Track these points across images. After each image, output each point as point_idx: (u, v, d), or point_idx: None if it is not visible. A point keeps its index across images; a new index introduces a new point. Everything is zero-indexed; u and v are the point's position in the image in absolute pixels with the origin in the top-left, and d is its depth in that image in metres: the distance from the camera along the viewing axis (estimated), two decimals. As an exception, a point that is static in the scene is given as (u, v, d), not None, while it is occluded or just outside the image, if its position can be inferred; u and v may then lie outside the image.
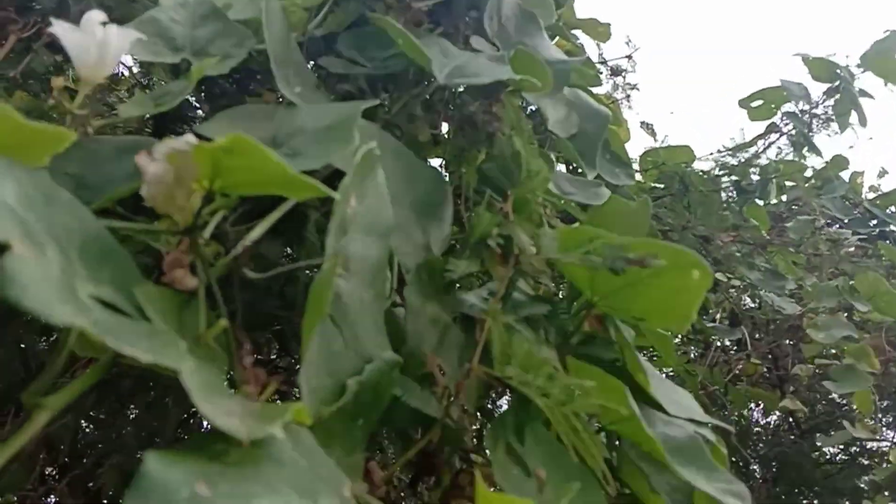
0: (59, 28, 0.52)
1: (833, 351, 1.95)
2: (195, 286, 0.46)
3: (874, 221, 2.35)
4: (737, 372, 2.13)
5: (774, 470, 2.44)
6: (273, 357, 1.26)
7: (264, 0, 0.68)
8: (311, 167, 0.51)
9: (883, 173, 2.56)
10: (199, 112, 1.06)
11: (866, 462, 2.52)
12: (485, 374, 0.57)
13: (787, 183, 2.18)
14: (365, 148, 0.55)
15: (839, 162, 2.23)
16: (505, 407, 0.65)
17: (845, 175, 2.31)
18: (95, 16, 0.54)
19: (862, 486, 2.36)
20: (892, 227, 2.34)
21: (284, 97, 0.69)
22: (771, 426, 2.68)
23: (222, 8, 0.74)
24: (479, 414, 0.63)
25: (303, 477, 0.38)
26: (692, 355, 2.15)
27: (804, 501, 2.42)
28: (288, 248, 0.80)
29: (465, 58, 0.82)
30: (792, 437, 2.43)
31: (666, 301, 0.69)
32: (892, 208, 2.39)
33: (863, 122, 1.83)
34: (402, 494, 0.73)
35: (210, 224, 0.53)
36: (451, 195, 0.75)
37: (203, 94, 1.02)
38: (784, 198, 2.22)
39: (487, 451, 0.56)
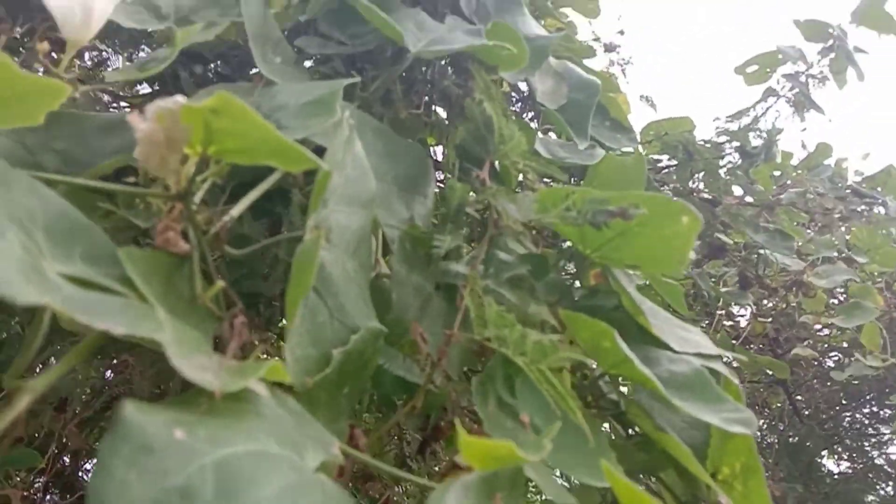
0: None
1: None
2: (188, 250, 0.44)
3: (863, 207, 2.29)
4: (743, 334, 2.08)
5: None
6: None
7: (242, -23, 0.66)
8: (294, 138, 0.49)
9: (866, 156, 2.50)
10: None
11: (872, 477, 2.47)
12: (465, 338, 0.54)
13: (775, 172, 2.14)
14: (341, 117, 0.53)
15: (823, 149, 2.20)
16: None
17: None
18: None
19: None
20: (880, 208, 2.28)
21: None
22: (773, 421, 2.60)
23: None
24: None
25: (287, 431, 0.36)
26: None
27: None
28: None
29: (440, 31, 0.80)
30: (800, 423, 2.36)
31: (658, 248, 0.67)
32: (879, 189, 2.31)
33: (860, 76, 1.77)
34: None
35: (200, 191, 0.51)
36: (433, 170, 0.72)
37: (193, 80, 1.00)
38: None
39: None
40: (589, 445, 0.50)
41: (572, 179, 1.25)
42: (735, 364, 1.78)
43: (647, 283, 0.92)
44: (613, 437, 0.72)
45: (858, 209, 2.10)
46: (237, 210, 0.48)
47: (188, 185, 0.43)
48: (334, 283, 0.49)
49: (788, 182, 2.05)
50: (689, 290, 2.01)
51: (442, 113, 0.97)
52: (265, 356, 0.45)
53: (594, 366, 0.68)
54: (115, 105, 0.86)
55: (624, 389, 0.72)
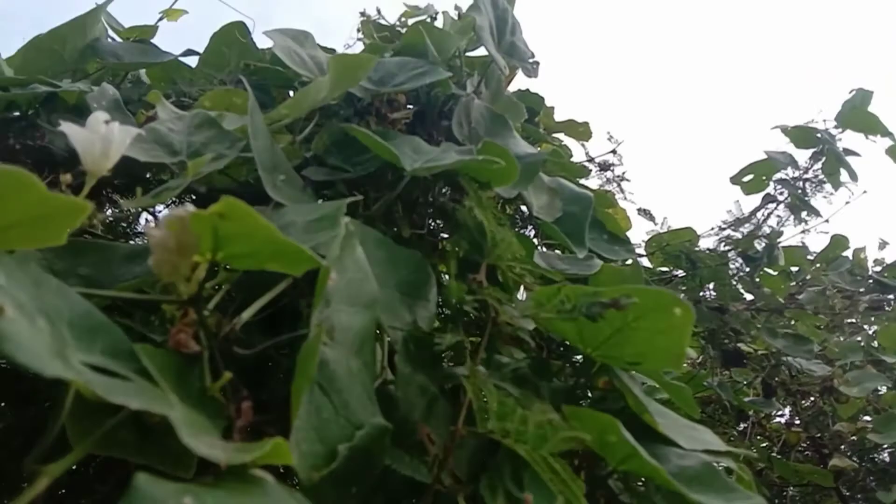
0: (67, 127, 0.58)
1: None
2: (198, 350, 0.48)
3: (891, 296, 2.29)
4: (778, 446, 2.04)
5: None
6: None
7: (249, 114, 0.73)
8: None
9: (883, 245, 2.53)
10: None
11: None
12: (472, 434, 0.56)
13: (792, 268, 2.17)
14: (342, 225, 0.58)
15: (840, 242, 2.23)
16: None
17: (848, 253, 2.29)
18: (100, 115, 0.59)
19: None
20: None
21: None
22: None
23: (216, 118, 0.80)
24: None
25: None
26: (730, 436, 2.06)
27: None
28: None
29: (435, 152, 0.87)
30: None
31: (655, 342, 0.69)
32: None
33: (853, 176, 1.84)
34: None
35: (215, 298, 0.56)
36: (434, 277, 0.77)
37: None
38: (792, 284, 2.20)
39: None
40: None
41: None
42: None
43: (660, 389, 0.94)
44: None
45: (886, 299, 2.10)
46: (247, 314, 0.52)
47: (199, 291, 0.47)
48: (338, 380, 0.52)
49: (808, 278, 2.07)
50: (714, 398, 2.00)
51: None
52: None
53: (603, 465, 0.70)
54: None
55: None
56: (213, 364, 0.47)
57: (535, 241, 1.25)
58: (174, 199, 0.75)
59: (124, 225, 0.73)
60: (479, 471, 0.62)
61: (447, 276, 0.90)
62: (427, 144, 0.91)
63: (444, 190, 0.99)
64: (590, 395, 0.84)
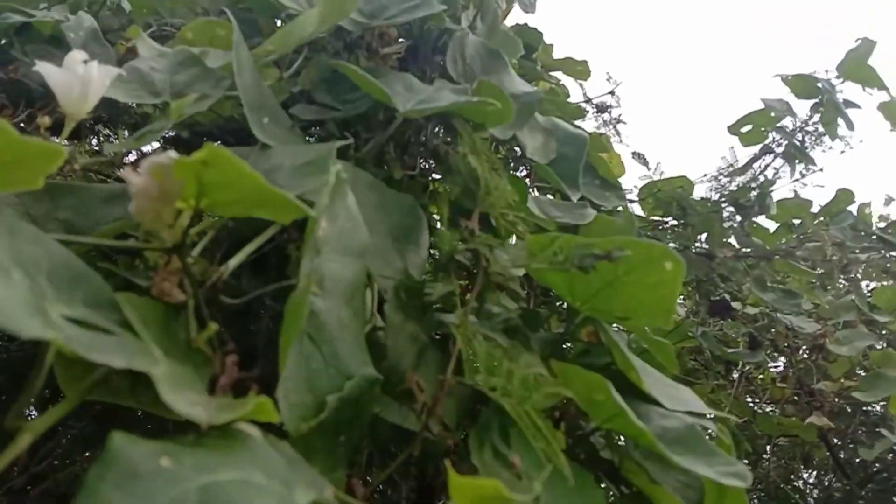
0: (44, 67, 0.56)
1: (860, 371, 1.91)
2: (183, 299, 0.47)
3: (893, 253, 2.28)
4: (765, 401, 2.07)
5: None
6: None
7: (234, 50, 0.71)
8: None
9: (889, 200, 2.51)
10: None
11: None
12: (457, 383, 0.56)
13: (794, 220, 2.16)
14: (333, 171, 0.56)
15: (845, 196, 2.18)
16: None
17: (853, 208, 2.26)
18: (77, 55, 0.57)
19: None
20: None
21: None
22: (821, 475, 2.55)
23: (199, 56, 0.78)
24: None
25: (277, 468, 0.38)
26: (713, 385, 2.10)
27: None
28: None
29: (429, 91, 0.85)
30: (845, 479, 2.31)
31: (645, 296, 0.69)
32: None
33: (850, 126, 1.83)
34: None
35: (199, 244, 0.55)
36: (426, 220, 0.76)
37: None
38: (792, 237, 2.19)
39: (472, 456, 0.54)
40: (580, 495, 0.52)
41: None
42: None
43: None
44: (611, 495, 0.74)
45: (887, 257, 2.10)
46: (233, 262, 0.51)
47: (182, 238, 0.46)
48: (328, 330, 0.52)
49: (809, 231, 2.07)
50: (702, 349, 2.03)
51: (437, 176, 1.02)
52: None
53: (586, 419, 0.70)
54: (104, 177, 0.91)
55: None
56: (199, 313, 0.47)
57: (527, 182, 1.24)
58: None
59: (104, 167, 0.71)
60: (467, 419, 0.62)
61: (438, 219, 0.89)
62: (420, 82, 0.88)
63: (436, 130, 0.97)
64: (573, 346, 0.85)
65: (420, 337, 0.62)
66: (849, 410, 2.03)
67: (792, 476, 2.41)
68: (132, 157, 0.88)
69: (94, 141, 1.00)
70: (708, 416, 0.74)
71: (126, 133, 0.94)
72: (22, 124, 0.87)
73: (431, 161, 0.94)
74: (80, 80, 0.58)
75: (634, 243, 0.64)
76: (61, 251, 0.43)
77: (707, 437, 0.69)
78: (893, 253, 2.06)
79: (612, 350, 0.72)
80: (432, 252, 0.73)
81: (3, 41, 0.87)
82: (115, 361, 0.33)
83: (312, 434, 0.47)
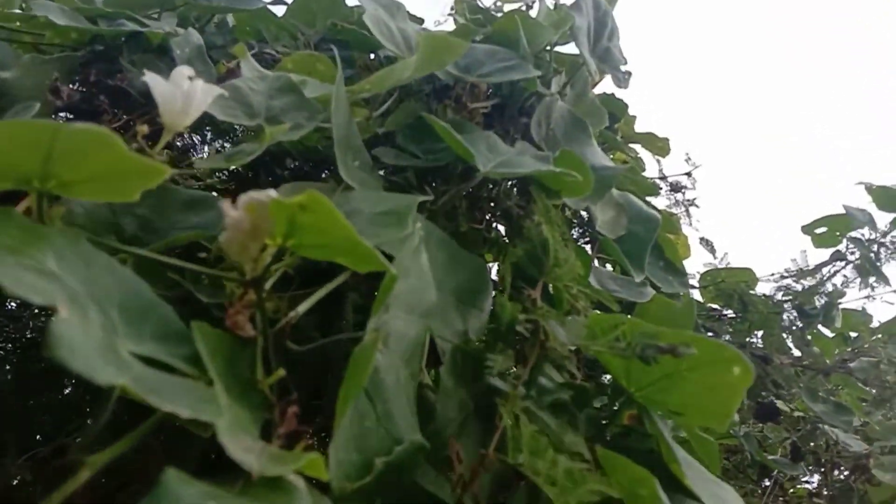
0: (151, 78, 0.58)
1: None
2: (253, 335, 0.48)
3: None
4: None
5: None
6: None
7: (335, 85, 0.73)
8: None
9: None
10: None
11: None
12: (499, 460, 0.55)
13: (851, 334, 2.11)
14: (411, 226, 0.57)
15: None
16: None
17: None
18: (184, 70, 0.60)
19: None
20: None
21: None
22: None
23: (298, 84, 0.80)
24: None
25: None
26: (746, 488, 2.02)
27: None
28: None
29: (511, 154, 0.86)
30: None
31: (704, 396, 0.67)
32: None
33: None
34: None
35: (272, 278, 0.55)
36: (491, 285, 0.76)
37: (269, 178, 1.07)
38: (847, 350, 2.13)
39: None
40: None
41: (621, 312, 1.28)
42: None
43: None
44: None
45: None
46: (303, 307, 0.52)
47: (263, 273, 0.47)
48: (386, 389, 0.52)
49: (865, 346, 2.02)
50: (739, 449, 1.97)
51: (501, 231, 1.03)
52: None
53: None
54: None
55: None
56: (265, 353, 0.47)
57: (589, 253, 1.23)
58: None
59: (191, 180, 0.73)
60: (497, 497, 0.61)
61: (500, 284, 0.89)
62: (503, 143, 0.89)
63: (511, 190, 0.97)
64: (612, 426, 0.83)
65: (468, 404, 0.62)
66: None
67: None
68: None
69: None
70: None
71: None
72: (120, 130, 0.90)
73: (502, 221, 0.94)
74: (184, 94, 0.60)
75: (703, 342, 0.62)
76: (133, 280, 0.45)
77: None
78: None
79: (658, 439, 0.70)
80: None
81: (113, 48, 0.91)
82: (182, 413, 0.34)
83: (353, 493, 0.46)
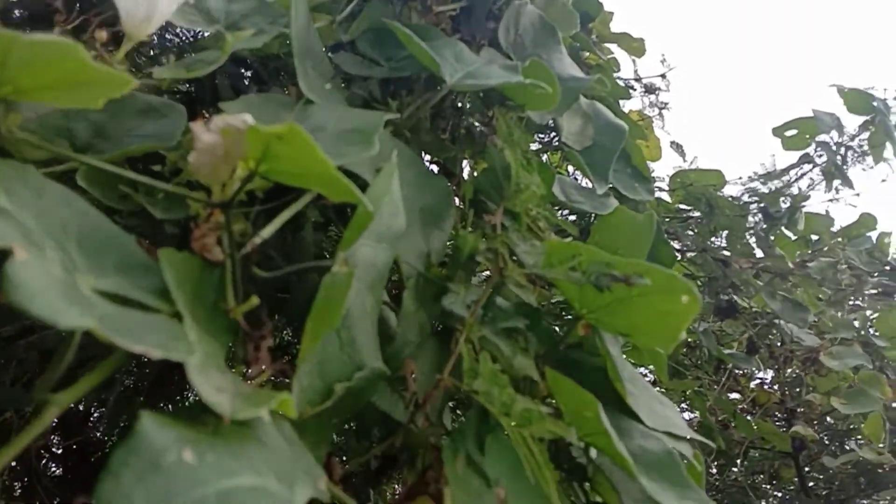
0: None
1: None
2: (221, 259, 0.48)
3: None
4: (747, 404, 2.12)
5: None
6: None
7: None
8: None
9: None
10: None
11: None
12: (453, 385, 0.58)
13: (812, 236, 2.16)
14: (384, 154, 0.56)
15: (867, 221, 2.21)
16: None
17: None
18: None
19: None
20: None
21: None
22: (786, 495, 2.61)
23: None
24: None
25: (284, 463, 0.40)
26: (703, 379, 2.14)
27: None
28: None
29: (478, 63, 0.84)
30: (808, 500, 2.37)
31: (653, 321, 0.70)
32: None
33: (896, 152, 1.81)
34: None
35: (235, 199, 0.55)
36: (453, 206, 0.76)
37: (229, 84, 1.05)
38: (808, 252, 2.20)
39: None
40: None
41: (585, 219, 1.30)
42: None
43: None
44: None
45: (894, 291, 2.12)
46: (268, 231, 0.52)
47: (232, 197, 0.46)
48: (351, 316, 0.53)
49: (825, 249, 2.08)
50: (697, 345, 2.06)
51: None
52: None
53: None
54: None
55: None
56: (234, 279, 0.47)
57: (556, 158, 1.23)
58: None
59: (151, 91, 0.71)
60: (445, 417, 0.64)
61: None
62: (469, 51, 0.87)
63: (476, 101, 0.96)
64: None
65: (426, 327, 0.64)
66: (816, 430, 2.08)
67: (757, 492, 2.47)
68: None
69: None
70: (688, 438, 0.76)
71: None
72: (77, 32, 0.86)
73: (466, 137, 0.93)
74: (148, 1, 0.58)
75: (656, 271, 0.64)
76: (89, 212, 0.44)
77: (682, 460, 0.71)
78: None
79: (604, 359, 0.74)
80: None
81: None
82: (152, 352, 0.34)
83: (311, 416, 0.48)
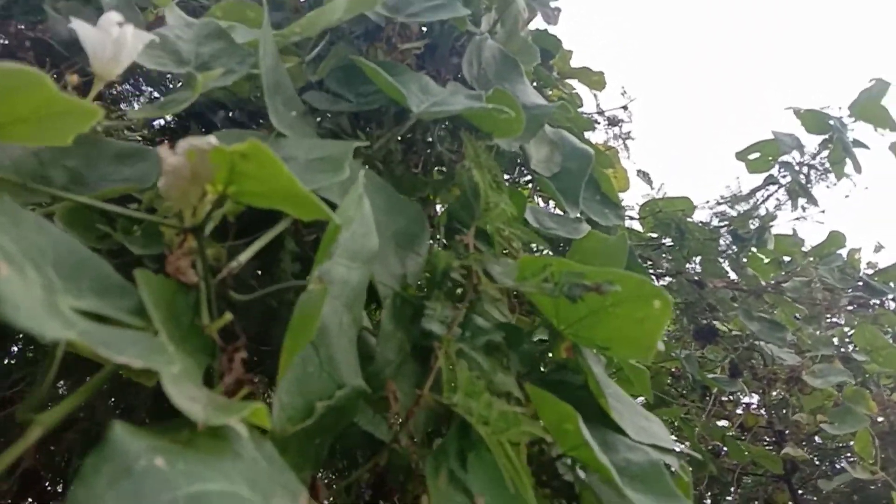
0: (79, 26, 0.57)
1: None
2: (195, 281, 0.48)
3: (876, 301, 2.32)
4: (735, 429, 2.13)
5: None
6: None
7: (262, 30, 0.73)
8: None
9: (879, 248, 2.56)
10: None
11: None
12: (434, 400, 0.59)
13: (785, 258, 2.21)
14: (353, 176, 0.58)
15: (836, 238, 2.26)
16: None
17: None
18: (113, 16, 0.59)
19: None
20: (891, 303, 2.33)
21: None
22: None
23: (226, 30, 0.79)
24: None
25: (260, 475, 0.40)
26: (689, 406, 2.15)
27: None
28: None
29: (443, 94, 0.87)
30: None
31: (629, 330, 0.71)
32: (892, 284, 2.36)
33: (857, 168, 1.86)
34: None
35: (210, 225, 0.56)
36: (428, 229, 0.78)
37: (202, 128, 1.07)
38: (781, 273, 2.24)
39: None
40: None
41: (559, 247, 1.32)
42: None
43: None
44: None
45: (868, 303, 2.16)
46: (244, 256, 0.53)
47: (203, 221, 0.47)
48: (328, 334, 0.54)
49: (798, 269, 2.13)
50: (681, 374, 2.07)
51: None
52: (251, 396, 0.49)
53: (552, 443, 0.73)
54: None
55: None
56: (207, 302, 0.48)
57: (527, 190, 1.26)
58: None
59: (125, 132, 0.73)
60: (430, 436, 0.65)
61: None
62: (435, 84, 0.91)
63: (442, 133, 0.99)
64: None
65: (405, 347, 0.65)
66: (808, 451, 2.09)
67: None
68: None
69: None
70: (674, 450, 0.77)
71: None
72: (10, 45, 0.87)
73: (437, 166, 0.96)
74: (114, 42, 0.59)
75: (626, 278, 0.66)
76: (64, 238, 0.45)
77: (669, 472, 0.72)
78: (875, 300, 2.11)
79: (587, 375, 0.75)
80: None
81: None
82: (134, 362, 0.35)
83: (293, 435, 0.49)
